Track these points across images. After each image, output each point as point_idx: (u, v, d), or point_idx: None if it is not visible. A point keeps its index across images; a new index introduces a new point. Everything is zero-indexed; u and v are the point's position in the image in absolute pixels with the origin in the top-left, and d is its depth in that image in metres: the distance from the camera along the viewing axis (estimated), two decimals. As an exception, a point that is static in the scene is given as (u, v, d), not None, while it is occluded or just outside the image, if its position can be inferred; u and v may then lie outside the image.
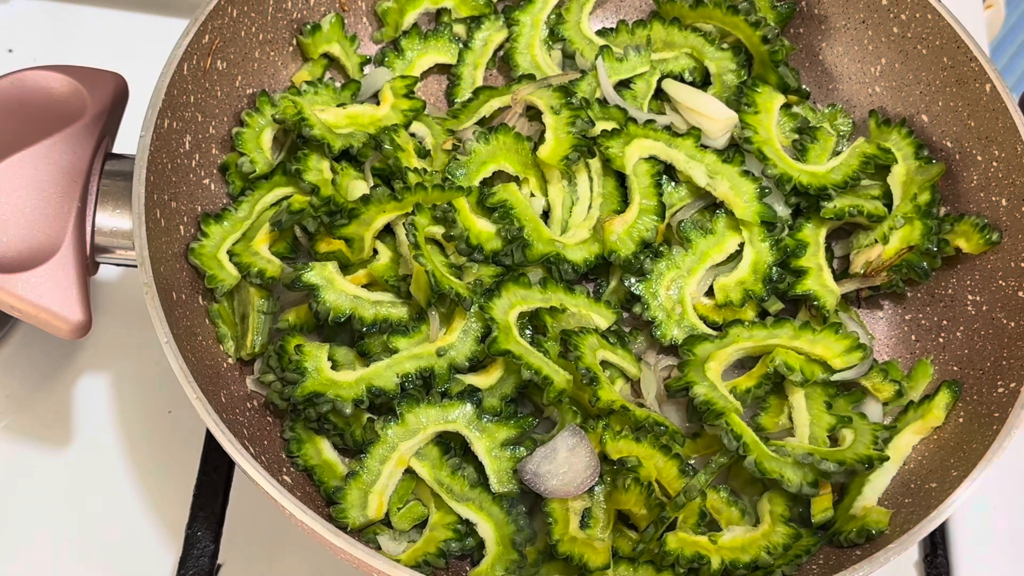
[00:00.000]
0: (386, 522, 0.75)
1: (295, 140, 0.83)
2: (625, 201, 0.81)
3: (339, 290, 0.76)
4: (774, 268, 0.80)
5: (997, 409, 0.73)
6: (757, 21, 0.86)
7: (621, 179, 0.82)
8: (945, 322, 0.83)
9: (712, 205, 0.83)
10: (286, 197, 0.81)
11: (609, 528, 0.74)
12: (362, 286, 0.78)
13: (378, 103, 0.86)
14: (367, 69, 0.91)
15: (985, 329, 0.80)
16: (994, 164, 0.80)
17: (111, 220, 0.74)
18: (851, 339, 0.76)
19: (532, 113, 0.84)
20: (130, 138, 0.75)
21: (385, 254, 0.79)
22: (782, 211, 0.82)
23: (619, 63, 0.88)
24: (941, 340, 0.83)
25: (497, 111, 0.86)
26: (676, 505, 0.72)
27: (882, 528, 0.72)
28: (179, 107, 0.76)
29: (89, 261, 0.73)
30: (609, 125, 0.83)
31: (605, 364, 0.77)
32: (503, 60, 0.93)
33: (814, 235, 0.82)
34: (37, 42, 1.07)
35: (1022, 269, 0.78)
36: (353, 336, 0.79)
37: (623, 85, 0.88)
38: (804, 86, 0.91)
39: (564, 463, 0.71)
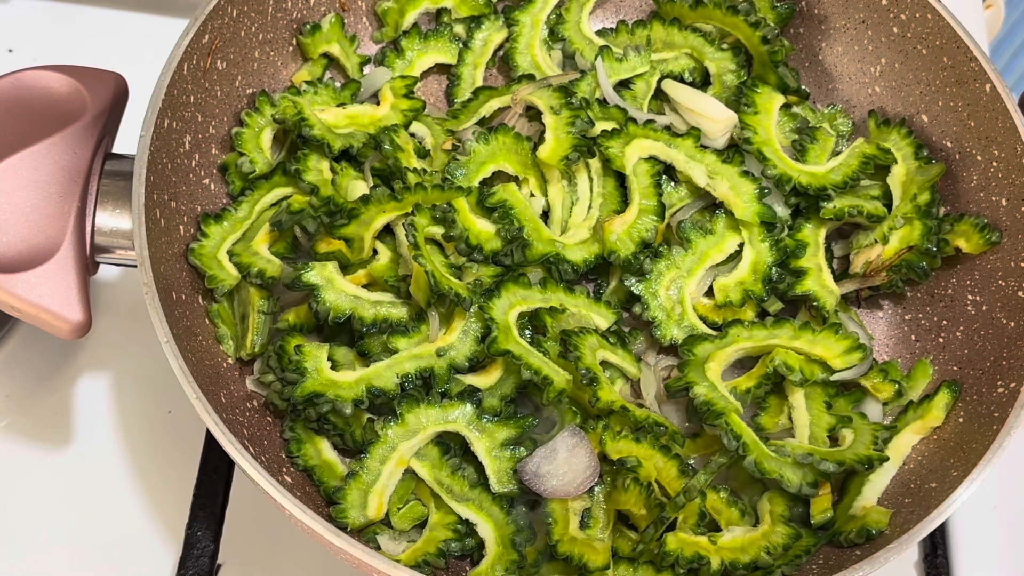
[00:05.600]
0: (386, 522, 0.75)
1: (295, 140, 0.83)
2: (625, 201, 0.81)
3: (339, 290, 0.76)
4: (774, 268, 0.80)
5: (997, 409, 0.73)
6: (757, 21, 0.86)
7: (621, 179, 0.82)
8: (945, 322, 0.83)
9: (712, 205, 0.83)
10: (286, 197, 0.81)
11: (609, 528, 0.74)
12: (362, 286, 0.78)
13: (378, 103, 0.86)
14: (367, 69, 0.91)
15: (985, 329, 0.80)
16: (994, 164, 0.80)
17: (111, 220, 0.74)
18: (851, 339, 0.76)
19: (532, 113, 0.84)
20: (130, 138, 0.75)
21: (385, 254, 0.79)
22: (782, 211, 0.82)
23: (619, 63, 0.88)
24: (941, 340, 0.83)
25: (497, 111, 0.86)
26: (676, 505, 0.72)
27: (882, 528, 0.72)
28: (179, 107, 0.76)
29: (89, 261, 0.73)
30: (609, 125, 0.83)
31: (605, 364, 0.77)
32: (503, 60, 0.93)
33: (814, 235, 0.82)
34: (37, 42, 1.07)
35: (1022, 269, 0.78)
36: (353, 336, 0.79)
37: (623, 85, 0.88)
38: (804, 86, 0.91)
39: (564, 463, 0.71)
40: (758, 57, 0.88)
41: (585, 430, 0.73)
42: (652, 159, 0.81)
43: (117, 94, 0.77)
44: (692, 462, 0.77)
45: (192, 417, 0.70)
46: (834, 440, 0.77)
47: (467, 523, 0.73)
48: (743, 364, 0.80)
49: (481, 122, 0.87)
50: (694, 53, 0.89)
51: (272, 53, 0.86)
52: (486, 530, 0.72)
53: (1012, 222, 0.79)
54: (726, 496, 0.75)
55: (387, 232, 0.80)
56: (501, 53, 0.93)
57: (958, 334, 0.82)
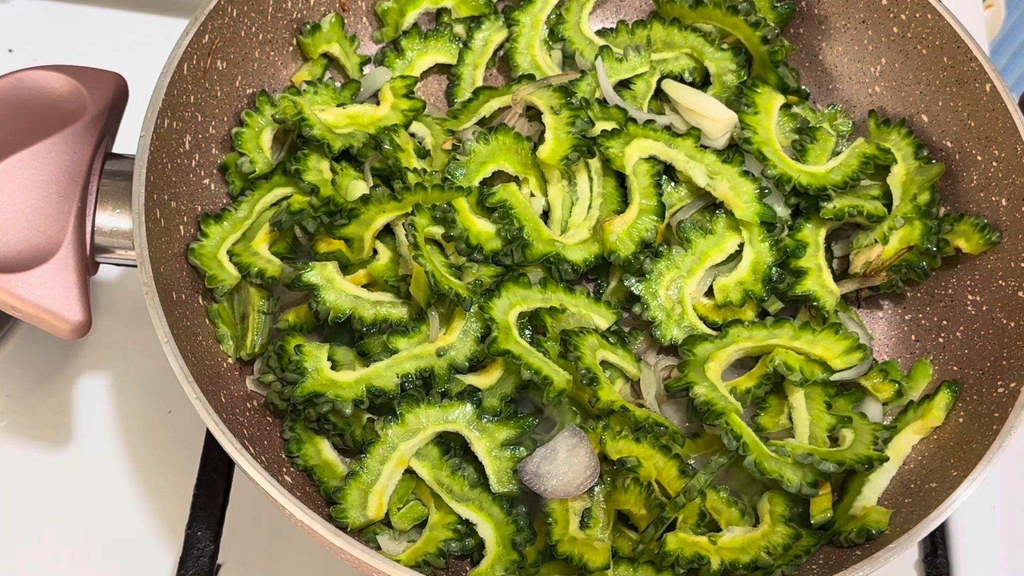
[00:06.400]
0: (386, 522, 0.75)
1: (295, 140, 0.83)
2: (625, 201, 0.81)
3: (339, 290, 0.76)
4: (774, 268, 0.80)
5: (997, 409, 0.73)
6: (757, 21, 0.86)
7: (621, 179, 0.82)
8: (945, 322, 0.83)
9: (712, 205, 0.83)
10: (286, 197, 0.81)
11: (609, 528, 0.74)
12: (362, 286, 0.78)
13: (378, 103, 0.86)
14: (367, 69, 0.91)
15: (985, 329, 0.80)
16: (994, 164, 0.80)
17: (111, 220, 0.74)
18: (851, 339, 0.76)
19: (532, 113, 0.84)
20: (130, 138, 0.75)
21: (385, 254, 0.79)
22: (782, 211, 0.82)
23: (619, 63, 0.88)
24: (941, 340, 0.83)
25: (497, 111, 0.86)
26: (676, 505, 0.72)
27: (882, 528, 0.72)
28: (179, 107, 0.76)
29: (89, 261, 0.73)
30: (609, 125, 0.83)
31: (605, 364, 0.77)
32: (503, 60, 0.93)
33: (814, 235, 0.82)
34: (37, 42, 1.07)
35: (1022, 269, 0.78)
36: (353, 336, 0.79)
37: (623, 85, 0.88)
38: (804, 86, 0.91)
39: (564, 463, 0.71)
40: (758, 57, 0.88)
41: (585, 430, 0.73)
42: (652, 159, 0.81)
43: (117, 94, 0.77)
44: (692, 462, 0.77)
45: (192, 417, 0.70)
46: (834, 440, 0.77)
47: (467, 523, 0.73)
48: (743, 364, 0.80)
49: (481, 122, 0.87)
50: (694, 53, 0.89)
51: (272, 53, 0.86)
52: (486, 530, 0.72)
53: (1012, 222, 0.79)
54: (726, 496, 0.75)
55: (387, 232, 0.80)
56: (501, 53, 0.93)
57: (958, 334, 0.82)
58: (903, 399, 0.80)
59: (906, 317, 0.86)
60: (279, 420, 0.78)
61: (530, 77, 0.87)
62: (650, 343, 0.81)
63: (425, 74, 0.92)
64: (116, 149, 0.78)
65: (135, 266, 0.70)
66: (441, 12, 0.92)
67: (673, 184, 0.83)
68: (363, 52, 0.92)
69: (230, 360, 0.78)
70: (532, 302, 0.77)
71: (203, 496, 0.85)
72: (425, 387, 0.75)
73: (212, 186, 0.82)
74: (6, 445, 0.88)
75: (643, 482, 0.72)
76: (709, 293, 0.81)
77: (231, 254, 0.79)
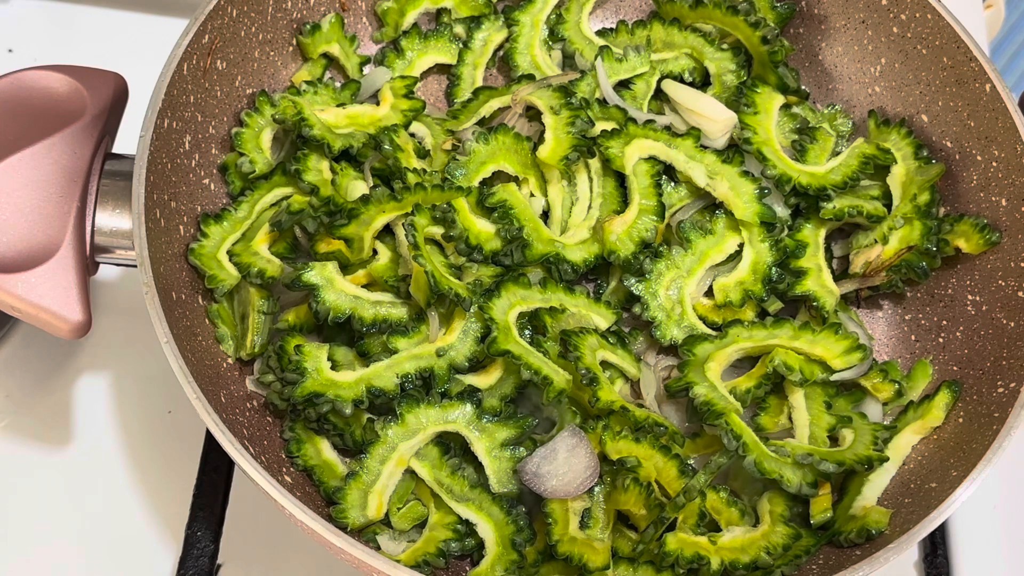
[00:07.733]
0: (386, 522, 0.75)
1: (295, 140, 0.83)
2: (625, 201, 0.81)
3: (339, 290, 0.76)
4: (773, 268, 0.80)
5: (997, 409, 0.73)
6: (757, 21, 0.86)
7: (621, 179, 0.82)
8: (945, 322, 0.83)
9: (712, 205, 0.83)
10: (286, 197, 0.81)
11: (609, 528, 0.74)
12: (362, 286, 0.78)
13: (378, 103, 0.86)
14: (367, 69, 0.91)
15: (985, 329, 0.80)
16: (994, 164, 0.80)
17: (111, 220, 0.74)
18: (851, 339, 0.76)
19: (532, 113, 0.84)
20: (130, 138, 0.75)
21: (385, 254, 0.79)
22: (781, 211, 0.82)
23: (619, 63, 0.88)
24: (941, 340, 0.83)
25: (497, 111, 0.86)
26: (676, 505, 0.72)
27: (882, 528, 0.72)
28: (179, 107, 0.76)
29: (89, 261, 0.74)
30: (609, 125, 0.83)
31: (605, 364, 0.77)
32: (503, 60, 0.93)
33: (813, 235, 0.82)
34: (37, 42, 1.07)
35: (1022, 269, 0.78)
36: (353, 336, 0.79)
37: (623, 85, 0.88)
38: (804, 86, 0.91)
39: (564, 463, 0.71)
40: (758, 57, 0.88)
41: (585, 430, 0.73)
42: (652, 159, 0.81)
43: (117, 94, 0.77)
44: (692, 462, 0.77)
45: (192, 417, 0.70)
46: (834, 440, 0.77)
47: (467, 523, 0.73)
48: (743, 364, 0.80)
49: (481, 122, 0.87)
50: (694, 53, 0.89)
51: (272, 53, 0.86)
52: (486, 530, 0.72)
53: (1012, 222, 0.79)
54: (726, 496, 0.75)
55: (387, 232, 0.80)
56: (501, 53, 0.93)
57: (958, 334, 0.82)
58: (903, 399, 0.80)
59: (906, 317, 0.86)
60: (279, 420, 0.78)
61: (530, 77, 0.87)
62: (650, 343, 0.81)
63: (425, 74, 0.92)
64: (116, 149, 0.78)
65: (135, 266, 0.70)
66: (441, 12, 0.92)
67: (673, 184, 0.83)
68: (363, 52, 0.92)
69: (230, 360, 0.78)
70: (532, 302, 0.77)
71: (203, 496, 0.85)
72: (425, 387, 0.75)
73: (212, 186, 0.82)
74: (6, 445, 0.88)
75: (643, 482, 0.72)
76: (709, 293, 0.81)
77: (231, 254, 0.79)
